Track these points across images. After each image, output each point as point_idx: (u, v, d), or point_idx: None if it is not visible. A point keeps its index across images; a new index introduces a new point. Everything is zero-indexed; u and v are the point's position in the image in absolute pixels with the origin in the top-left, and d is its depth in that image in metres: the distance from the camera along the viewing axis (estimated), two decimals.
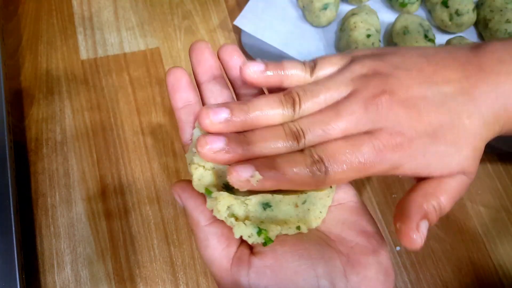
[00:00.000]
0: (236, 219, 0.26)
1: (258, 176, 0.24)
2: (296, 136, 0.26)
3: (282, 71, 0.28)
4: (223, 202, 0.26)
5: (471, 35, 0.57)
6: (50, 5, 0.59)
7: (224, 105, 0.27)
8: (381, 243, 0.27)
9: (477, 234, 0.48)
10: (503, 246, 0.48)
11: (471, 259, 0.47)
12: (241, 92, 0.31)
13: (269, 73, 0.28)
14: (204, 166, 0.27)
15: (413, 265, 0.46)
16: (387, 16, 0.58)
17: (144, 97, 0.54)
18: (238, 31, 0.58)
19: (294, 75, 0.28)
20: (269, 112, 0.27)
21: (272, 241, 0.26)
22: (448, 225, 0.49)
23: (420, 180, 0.27)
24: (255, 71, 0.28)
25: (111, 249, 0.46)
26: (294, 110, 0.27)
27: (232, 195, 0.26)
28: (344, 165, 0.25)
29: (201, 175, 0.27)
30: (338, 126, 0.26)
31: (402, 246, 0.28)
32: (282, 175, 0.25)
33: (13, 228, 0.42)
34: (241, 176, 0.24)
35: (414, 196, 0.26)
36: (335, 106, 0.26)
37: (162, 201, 0.49)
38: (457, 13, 0.54)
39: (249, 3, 0.57)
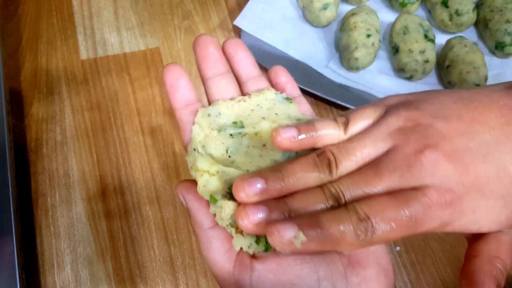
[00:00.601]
0: (237, 227, 0.26)
1: (302, 237, 0.23)
2: (337, 198, 0.25)
3: (314, 133, 0.27)
4: (228, 211, 0.26)
5: (471, 35, 0.57)
6: (50, 5, 0.59)
7: (258, 174, 0.25)
8: (382, 244, 0.28)
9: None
10: None
11: None
12: (247, 86, 0.31)
13: (302, 137, 0.27)
14: (209, 171, 0.27)
15: (413, 265, 0.46)
16: (387, 16, 0.58)
17: (144, 97, 0.54)
18: (238, 31, 0.58)
19: (327, 134, 0.27)
20: (305, 176, 0.25)
21: None
22: None
23: (471, 237, 0.27)
24: (288, 138, 0.26)
25: (111, 249, 0.46)
26: (331, 171, 0.25)
27: (237, 202, 0.26)
28: (393, 223, 0.23)
29: (206, 181, 0.27)
30: (380, 185, 0.24)
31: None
32: (328, 235, 0.23)
33: (13, 228, 0.42)
34: (284, 236, 0.23)
35: (480, 264, 0.26)
36: (375, 165, 0.25)
37: (162, 201, 0.49)
38: (457, 13, 0.54)
39: (249, 3, 0.57)
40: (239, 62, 0.31)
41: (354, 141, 0.26)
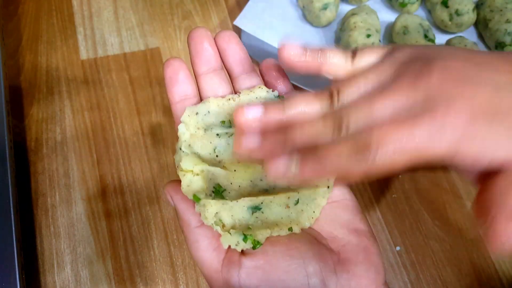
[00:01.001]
0: (223, 226, 0.26)
1: (296, 160, 0.22)
2: (338, 125, 0.23)
3: (322, 57, 0.27)
4: (211, 210, 0.26)
5: (471, 35, 0.57)
6: (50, 5, 0.59)
7: (259, 104, 0.25)
8: (372, 241, 0.28)
9: (477, 234, 0.48)
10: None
11: (471, 259, 0.47)
12: (238, 82, 0.31)
13: (308, 57, 0.27)
14: (192, 171, 0.27)
15: (413, 265, 0.46)
16: (387, 16, 0.58)
17: (144, 97, 0.54)
18: (238, 31, 0.58)
19: (334, 62, 0.27)
20: (306, 107, 0.25)
21: (261, 244, 0.26)
22: (448, 225, 0.49)
23: (481, 180, 0.25)
24: (295, 54, 0.27)
25: (111, 249, 0.46)
26: (332, 100, 0.25)
27: (220, 201, 0.26)
28: (394, 147, 0.21)
29: (190, 180, 0.27)
30: (385, 105, 0.23)
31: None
32: (324, 160, 0.22)
33: (13, 228, 0.42)
34: (278, 166, 0.23)
35: (491, 195, 0.23)
36: (379, 89, 0.24)
37: (162, 201, 0.49)
38: (457, 13, 0.54)
39: (249, 3, 0.57)
40: (231, 57, 0.30)
41: (358, 75, 0.26)
